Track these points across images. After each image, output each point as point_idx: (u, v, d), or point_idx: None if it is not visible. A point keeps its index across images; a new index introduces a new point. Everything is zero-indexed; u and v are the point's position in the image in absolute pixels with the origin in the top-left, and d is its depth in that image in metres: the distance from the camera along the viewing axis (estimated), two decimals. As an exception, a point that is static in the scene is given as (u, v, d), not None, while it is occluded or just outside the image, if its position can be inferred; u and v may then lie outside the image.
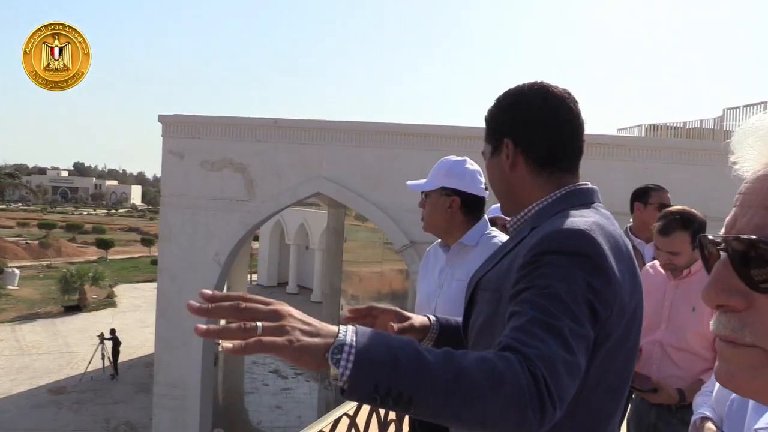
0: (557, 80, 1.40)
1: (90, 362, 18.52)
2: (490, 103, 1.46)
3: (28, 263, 38.77)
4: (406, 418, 2.53)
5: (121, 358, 19.34)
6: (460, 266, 2.28)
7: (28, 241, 46.21)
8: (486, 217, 2.38)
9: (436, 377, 0.89)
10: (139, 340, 20.81)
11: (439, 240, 2.45)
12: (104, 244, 43.87)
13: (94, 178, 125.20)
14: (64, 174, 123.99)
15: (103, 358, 18.95)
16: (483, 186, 2.36)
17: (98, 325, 21.86)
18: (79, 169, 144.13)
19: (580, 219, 1.23)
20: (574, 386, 1.02)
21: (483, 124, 1.48)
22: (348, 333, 0.91)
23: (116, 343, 19.20)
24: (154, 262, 33.06)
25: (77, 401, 16.99)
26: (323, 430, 1.87)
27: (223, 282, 13.37)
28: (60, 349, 21.52)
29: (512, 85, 1.43)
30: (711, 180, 11.11)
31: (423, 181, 2.38)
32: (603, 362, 1.18)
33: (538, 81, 1.40)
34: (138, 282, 34.31)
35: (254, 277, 31.88)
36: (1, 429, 15.02)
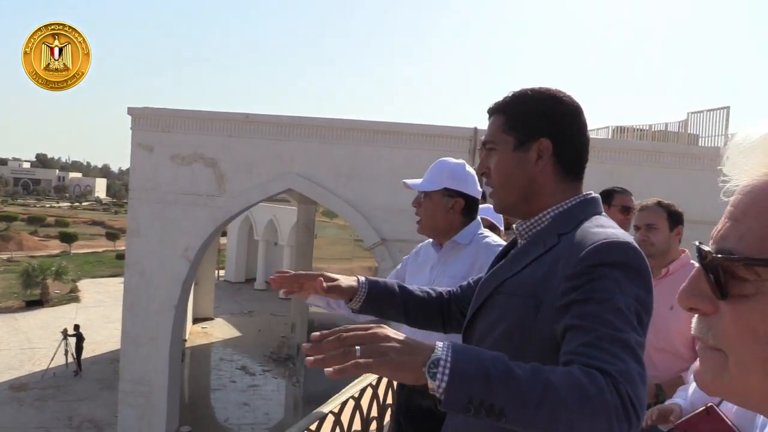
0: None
1: (53, 358, 18.15)
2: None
3: (-12, 256, 37.79)
4: (370, 430, 2.56)
5: (85, 354, 18.99)
6: (453, 264, 2.31)
7: (-12, 234, 45.05)
8: (479, 217, 2.41)
9: (526, 391, 0.95)
10: (103, 336, 20.47)
11: (431, 240, 2.47)
12: (67, 238, 42.98)
13: (57, 170, 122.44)
14: (26, 165, 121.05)
15: (66, 354, 18.57)
16: (479, 188, 2.40)
17: (61, 320, 21.45)
18: (42, 161, 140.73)
19: (617, 230, 1.27)
20: (646, 396, 1.08)
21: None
22: (443, 348, 0.98)
23: (80, 339, 18.84)
24: (120, 256, 32.55)
25: (39, 398, 16.63)
26: (311, 428, 1.89)
27: (192, 277, 13.24)
28: (21, 344, 21.03)
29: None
30: (676, 181, 11.39)
31: (419, 180, 2.37)
32: None
33: (565, 90, 1.42)
34: (102, 277, 33.72)
35: (221, 272, 31.58)
36: (-41, 426, 14.65)
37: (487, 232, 2.39)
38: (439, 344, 0.99)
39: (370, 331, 1.01)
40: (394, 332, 1.02)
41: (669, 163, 11.89)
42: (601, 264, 1.18)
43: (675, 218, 2.89)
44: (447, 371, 0.95)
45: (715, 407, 1.83)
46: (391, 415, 2.61)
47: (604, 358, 1.05)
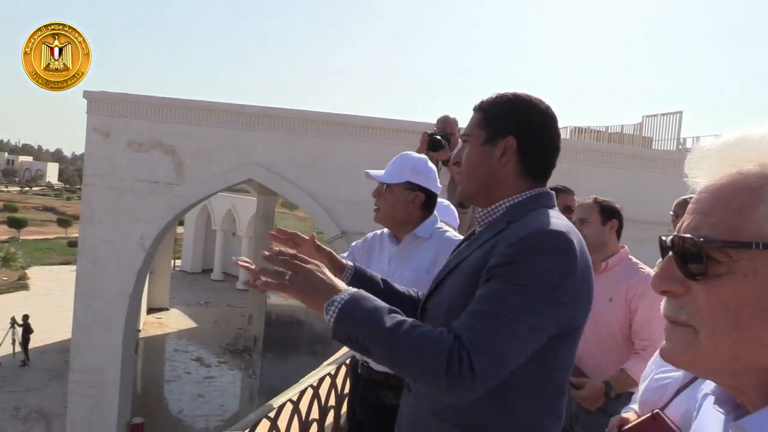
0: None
1: (-1, 347, 17.64)
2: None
3: (-70, 241, 36.39)
4: (328, 418, 2.60)
5: (34, 344, 18.50)
6: (413, 257, 2.35)
7: (-70, 218, 43.34)
8: (436, 212, 2.45)
9: (385, 338, 1.23)
10: (52, 325, 19.93)
11: (386, 231, 2.50)
12: (16, 223, 41.74)
13: (6, 153, 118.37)
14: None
15: (13, 344, 18.07)
16: (439, 184, 2.45)
17: (8, 308, 20.82)
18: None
19: (556, 220, 1.38)
20: (501, 368, 1.25)
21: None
22: (343, 294, 1.27)
23: (27, 330, 18.33)
24: (72, 244, 31.75)
25: (-16, 388, 16.16)
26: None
27: (147, 267, 13.01)
28: (-35, 332, 20.37)
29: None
30: (630, 182, 11.70)
31: (382, 171, 2.40)
32: (570, 347, 1.41)
33: (544, 99, 1.54)
34: (53, 264, 32.87)
35: (178, 262, 31.10)
36: None
37: (445, 226, 2.44)
38: (344, 290, 1.28)
39: (308, 266, 1.30)
40: (325, 274, 1.30)
41: (624, 165, 12.19)
42: (527, 249, 1.31)
43: (607, 213, 3.00)
44: (336, 311, 1.25)
45: (661, 413, 1.87)
46: (335, 416, 2.66)
47: (470, 326, 1.25)
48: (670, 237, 0.68)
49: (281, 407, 2.18)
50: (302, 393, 2.34)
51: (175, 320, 23.07)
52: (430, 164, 2.44)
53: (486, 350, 1.23)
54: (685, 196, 3.08)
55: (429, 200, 2.39)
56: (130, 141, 12.43)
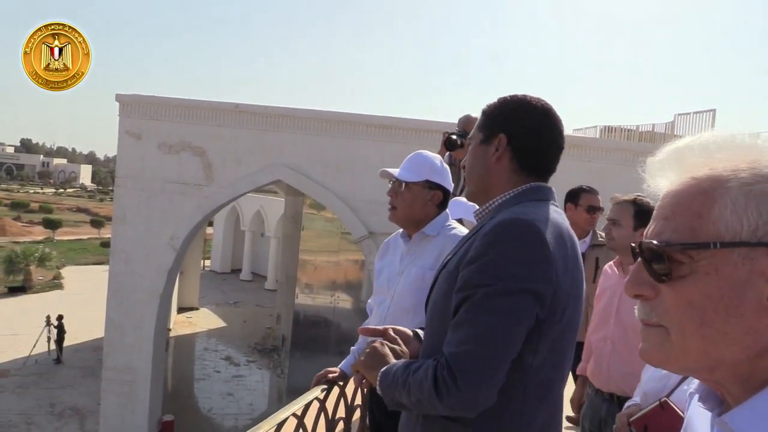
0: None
1: (35, 345, 18.03)
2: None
3: (-31, 241, 37.38)
4: (355, 415, 2.62)
5: (68, 342, 18.88)
6: (421, 255, 2.36)
7: (-30, 219, 44.52)
8: (448, 210, 2.46)
9: (404, 392, 1.38)
10: (86, 324, 20.32)
11: (401, 231, 2.51)
12: (51, 224, 42.68)
13: (41, 156, 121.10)
14: (10, 150, 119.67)
15: (48, 342, 18.47)
16: (452, 182, 2.47)
17: (44, 307, 21.27)
18: (26, 146, 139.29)
19: (530, 210, 1.41)
20: (487, 371, 1.30)
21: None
22: (382, 370, 1.46)
23: (61, 331, 18.72)
24: (104, 244, 32.33)
25: (21, 385, 16.54)
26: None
27: (177, 267, 13.20)
28: (2, 330, 20.87)
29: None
30: (661, 182, 11.49)
31: (398, 170, 2.41)
32: (554, 340, 1.40)
33: (542, 98, 1.57)
34: (86, 264, 33.50)
35: (207, 262, 31.47)
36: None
37: (454, 223, 2.44)
38: (385, 367, 1.45)
39: (372, 348, 1.53)
40: (379, 349, 1.51)
41: (655, 164, 11.99)
42: (492, 241, 1.35)
43: (643, 217, 2.86)
44: (378, 384, 1.45)
45: (669, 401, 1.84)
46: (360, 415, 2.67)
47: (451, 342, 1.34)
48: (638, 243, 0.71)
49: (308, 405, 2.20)
50: (329, 391, 2.36)
51: (204, 319, 23.36)
52: (444, 164, 2.46)
53: (466, 360, 1.29)
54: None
55: (444, 198, 2.41)
56: (161, 143, 12.61)
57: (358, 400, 2.69)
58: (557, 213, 1.46)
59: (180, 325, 21.98)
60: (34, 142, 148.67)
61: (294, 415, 2.14)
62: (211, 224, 28.88)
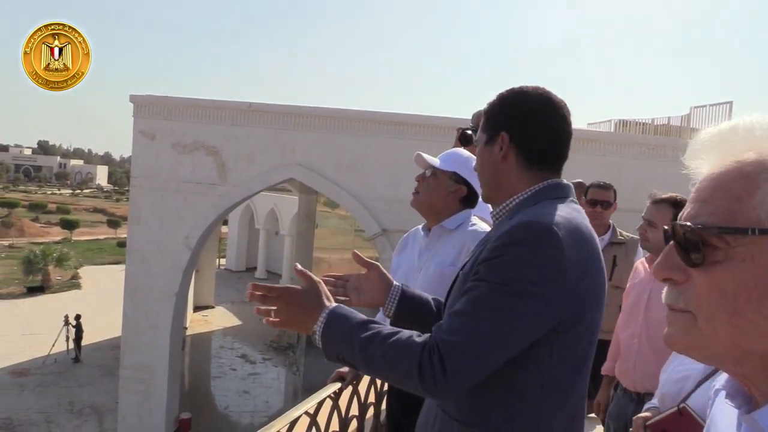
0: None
1: (54, 344, 18.25)
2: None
3: (-11, 242, 37.89)
4: (368, 414, 2.62)
5: (85, 341, 19.09)
6: (440, 250, 2.33)
7: (-11, 220, 45.13)
8: (471, 210, 2.42)
9: (362, 354, 1.32)
10: (103, 323, 20.54)
11: (422, 225, 2.49)
12: (69, 225, 43.11)
13: (58, 157, 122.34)
14: (28, 152, 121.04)
15: (67, 341, 18.68)
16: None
17: (62, 307, 21.51)
18: (44, 148, 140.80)
19: (549, 211, 1.36)
20: (477, 368, 1.27)
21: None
22: (320, 321, 1.38)
23: (79, 330, 18.93)
24: (121, 244, 32.58)
25: (41, 384, 16.75)
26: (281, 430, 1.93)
27: (192, 266, 13.28)
28: (22, 330, 21.14)
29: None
30: (677, 175, 11.37)
31: (433, 157, 2.41)
32: (573, 343, 1.36)
33: (540, 86, 1.52)
34: (104, 264, 33.82)
35: (223, 261, 31.63)
36: (-39, 411, 14.72)
37: (477, 221, 2.40)
38: (320, 317, 1.38)
39: (281, 300, 1.43)
40: (302, 304, 1.42)
41: (671, 157, 11.89)
42: (508, 243, 1.31)
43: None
44: (319, 339, 1.37)
45: (688, 407, 1.80)
46: (374, 413, 2.67)
47: (447, 329, 1.29)
48: (671, 225, 0.69)
49: (320, 403, 2.19)
50: (341, 390, 2.36)
51: (220, 318, 23.49)
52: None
53: (459, 351, 1.25)
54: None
55: (469, 197, 2.38)
56: (175, 143, 12.69)
57: (372, 398, 2.69)
58: (577, 212, 1.42)
59: (196, 323, 22.13)
60: (51, 143, 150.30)
61: (307, 413, 2.13)
62: (225, 223, 29.04)
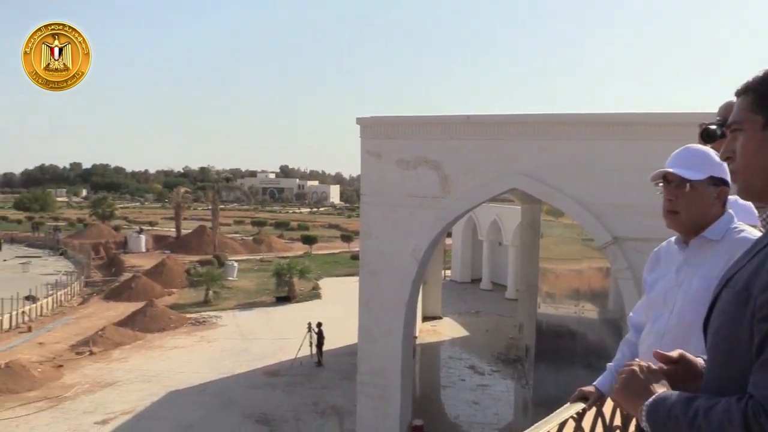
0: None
1: (299, 349, 20.08)
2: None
3: (244, 257, 43.08)
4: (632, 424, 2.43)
5: (327, 347, 20.73)
6: (702, 263, 2.05)
7: (244, 238, 51.49)
8: (731, 210, 2.11)
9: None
10: (341, 331, 22.15)
11: (674, 238, 2.23)
12: (309, 240, 47.31)
13: (297, 179, 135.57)
14: (272, 176, 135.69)
15: (311, 346, 20.48)
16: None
17: (306, 315, 23.58)
18: (285, 171, 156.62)
19: None
20: None
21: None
22: (647, 404, 1.29)
23: (320, 337, 20.62)
24: (354, 257, 34.91)
25: (289, 384, 18.51)
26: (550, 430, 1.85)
27: (420, 277, 13.70)
28: (274, 335, 23.59)
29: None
30: None
31: (673, 169, 2.09)
32: None
33: None
34: (339, 276, 36.43)
35: (448, 272, 32.30)
36: (228, 404, 16.82)
37: (742, 225, 2.07)
38: (650, 401, 1.29)
39: (629, 372, 1.40)
40: (636, 380, 1.37)
41: None
42: None
43: None
44: (644, 418, 1.29)
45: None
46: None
47: (762, 383, 1.10)
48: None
49: (563, 424, 2.09)
50: (585, 411, 2.23)
51: (448, 328, 23.99)
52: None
53: None
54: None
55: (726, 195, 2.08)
56: (399, 160, 13.25)
57: (617, 421, 2.50)
58: None
59: (425, 333, 22.84)
60: (291, 167, 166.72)
61: (573, 418, 2.04)
62: (449, 235, 29.64)
